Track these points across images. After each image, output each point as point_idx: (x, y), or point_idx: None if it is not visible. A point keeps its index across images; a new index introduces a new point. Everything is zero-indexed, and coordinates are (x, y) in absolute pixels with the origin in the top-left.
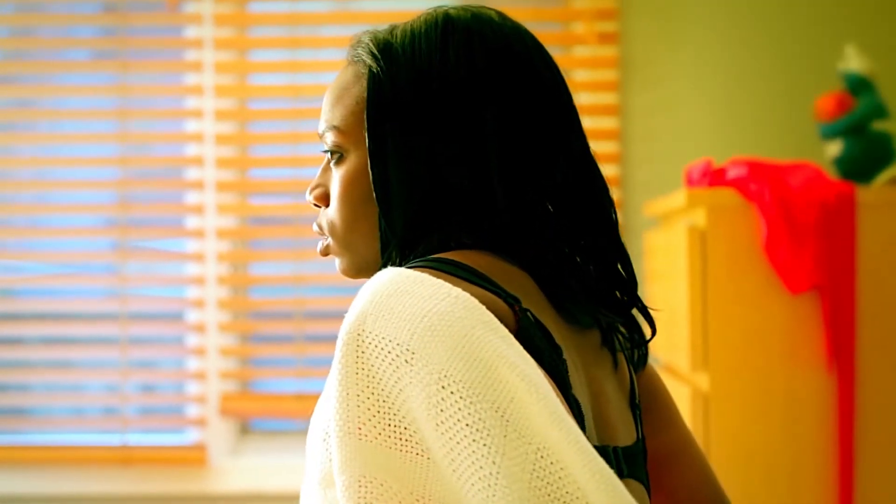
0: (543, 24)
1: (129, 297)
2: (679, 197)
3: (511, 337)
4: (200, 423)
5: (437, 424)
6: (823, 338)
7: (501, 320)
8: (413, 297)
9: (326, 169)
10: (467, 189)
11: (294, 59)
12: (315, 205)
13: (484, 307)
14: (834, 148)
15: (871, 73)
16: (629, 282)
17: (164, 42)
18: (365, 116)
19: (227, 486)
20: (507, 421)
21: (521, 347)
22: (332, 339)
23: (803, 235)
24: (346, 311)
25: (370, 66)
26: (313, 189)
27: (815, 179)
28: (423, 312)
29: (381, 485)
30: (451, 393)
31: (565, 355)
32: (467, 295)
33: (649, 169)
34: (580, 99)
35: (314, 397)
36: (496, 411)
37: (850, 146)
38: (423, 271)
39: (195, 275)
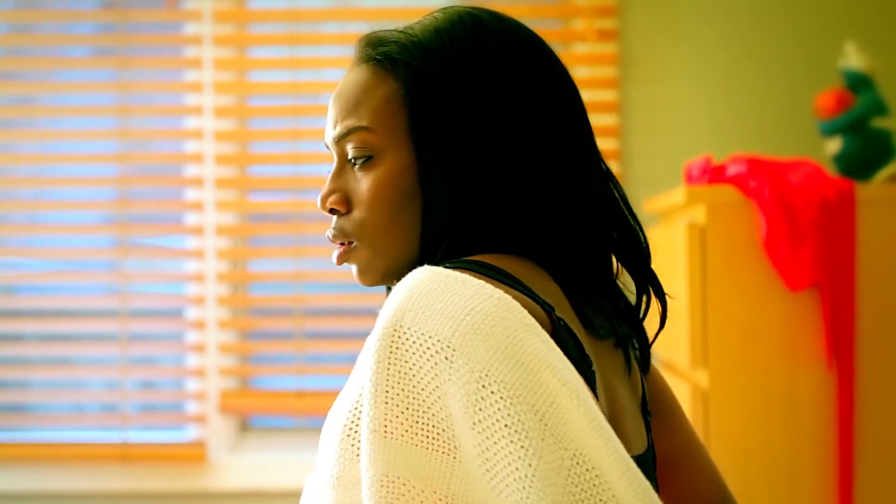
0: (543, 21)
1: (128, 294)
2: (679, 194)
3: (552, 342)
4: (200, 419)
5: (475, 423)
6: (823, 335)
7: (539, 320)
8: (455, 295)
9: (341, 173)
10: (513, 189)
11: (294, 56)
12: (332, 211)
13: (525, 310)
14: (833, 145)
15: (870, 70)
16: (647, 274)
17: (164, 39)
18: (406, 112)
19: (226, 483)
20: (546, 424)
21: (561, 353)
22: (331, 335)
23: (803, 232)
24: (344, 308)
25: (406, 62)
26: (329, 195)
27: (814, 176)
28: (466, 310)
29: (404, 484)
30: (492, 392)
31: (594, 366)
32: (509, 297)
33: (649, 166)
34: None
35: (314, 394)
36: (535, 414)
37: (849, 143)
38: (461, 272)
39: (195, 271)
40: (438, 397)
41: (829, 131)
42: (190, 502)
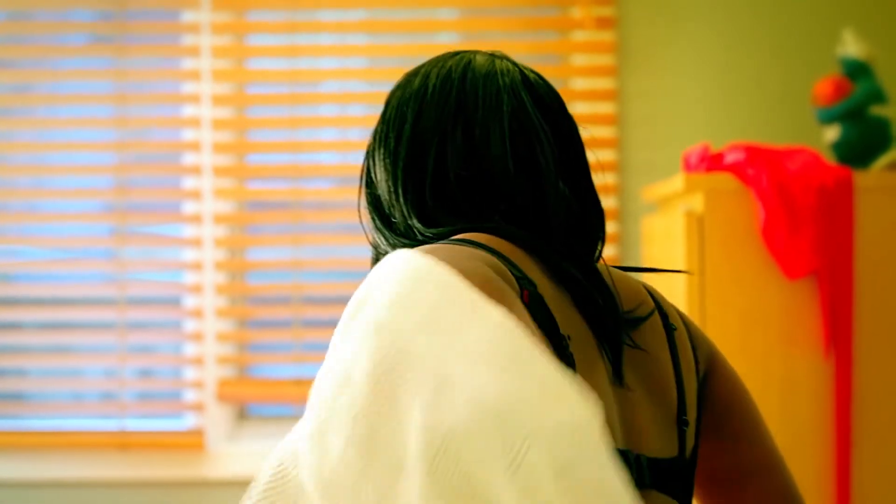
0: (541, 9)
1: (126, 282)
2: (677, 182)
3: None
4: (198, 408)
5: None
6: (821, 323)
7: (508, 284)
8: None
9: None
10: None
11: (292, 44)
12: None
13: (445, 270)
14: (832, 133)
15: (869, 57)
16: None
17: (162, 26)
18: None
19: (224, 472)
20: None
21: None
22: (329, 324)
23: (801, 220)
24: (343, 297)
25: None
26: None
27: (812, 164)
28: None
29: None
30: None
31: (572, 348)
32: (431, 260)
33: (647, 154)
34: (577, 84)
35: (312, 382)
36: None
37: (847, 131)
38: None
39: (193, 260)
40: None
41: (828, 119)
42: (188, 490)
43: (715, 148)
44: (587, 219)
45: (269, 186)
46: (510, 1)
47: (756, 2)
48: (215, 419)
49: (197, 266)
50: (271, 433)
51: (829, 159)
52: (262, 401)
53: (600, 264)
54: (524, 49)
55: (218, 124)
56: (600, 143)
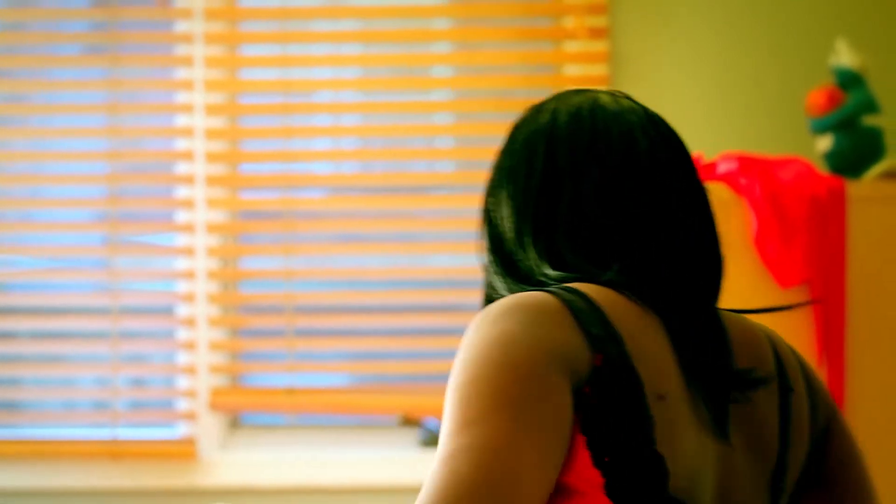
0: (534, 20)
1: (119, 292)
2: None
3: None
4: (190, 417)
5: None
6: (813, 332)
7: (577, 354)
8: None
9: None
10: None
11: (285, 54)
12: None
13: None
14: (824, 142)
15: (862, 67)
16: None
17: (155, 37)
18: None
19: (217, 481)
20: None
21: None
22: (322, 333)
23: (793, 230)
24: (335, 306)
25: None
26: None
27: (805, 174)
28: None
29: None
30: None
31: (654, 411)
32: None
33: None
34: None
35: (304, 392)
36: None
37: (840, 141)
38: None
39: (185, 269)
40: None
41: (820, 129)
42: (180, 499)
43: (707, 158)
44: (711, 266)
45: (261, 196)
46: (503, 11)
47: (749, 12)
48: (208, 428)
49: (189, 275)
50: (264, 442)
51: (822, 169)
52: (254, 410)
53: (723, 314)
54: (517, 59)
55: (211, 134)
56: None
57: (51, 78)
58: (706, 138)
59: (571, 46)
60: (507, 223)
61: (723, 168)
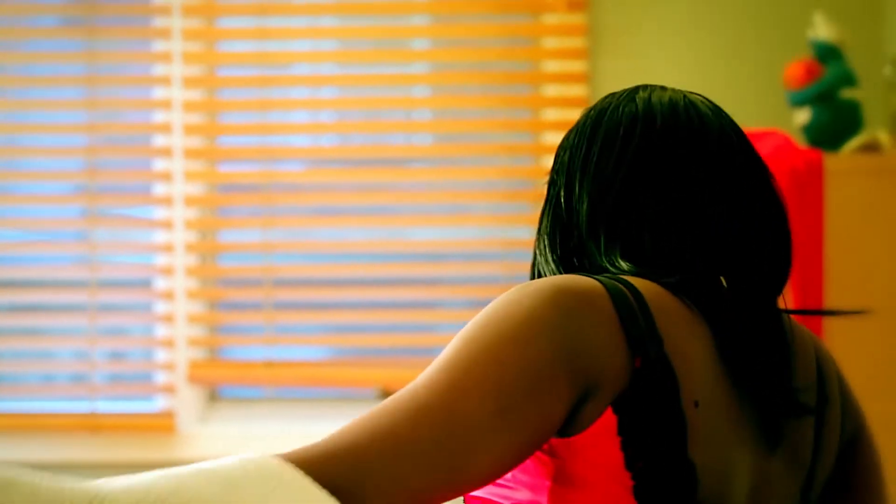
0: None
1: (97, 264)
2: None
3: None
4: (169, 390)
5: None
6: (791, 305)
7: (609, 355)
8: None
9: None
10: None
11: (263, 27)
12: None
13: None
14: (803, 116)
15: (839, 41)
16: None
17: (132, 9)
18: None
19: (195, 454)
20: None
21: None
22: (300, 306)
23: None
24: (314, 279)
25: None
26: None
27: (783, 147)
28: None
29: None
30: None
31: (690, 414)
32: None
33: None
34: (549, 66)
35: (283, 365)
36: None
37: (818, 114)
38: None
39: (163, 242)
40: None
41: (799, 102)
42: None
43: None
44: (779, 277)
45: (240, 169)
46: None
47: None
48: (186, 401)
49: (168, 248)
50: (242, 415)
51: (800, 142)
52: (233, 383)
53: (786, 321)
54: (495, 32)
55: (189, 106)
56: (571, 125)
57: (28, 50)
58: None
59: (550, 19)
60: (580, 207)
61: None
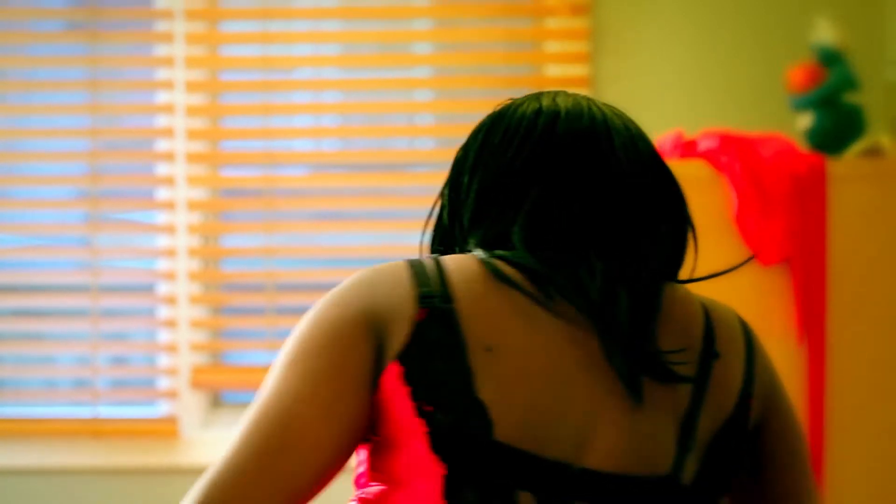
0: None
1: (100, 269)
2: None
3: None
4: (171, 395)
5: None
6: (794, 311)
7: (397, 311)
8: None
9: None
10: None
11: (265, 31)
12: None
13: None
14: (805, 120)
15: (842, 45)
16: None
17: (135, 13)
18: None
19: (198, 459)
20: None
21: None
22: (303, 311)
23: (774, 208)
24: (316, 284)
25: None
26: None
27: (786, 152)
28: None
29: None
30: None
31: (477, 362)
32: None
33: None
34: (551, 71)
35: None
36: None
37: (821, 118)
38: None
39: (166, 247)
40: None
41: (801, 106)
42: (162, 477)
43: (688, 135)
44: (661, 250)
45: (242, 173)
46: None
47: None
48: (189, 406)
49: (170, 253)
50: None
51: (803, 147)
52: (235, 388)
53: (667, 293)
54: (498, 36)
55: (191, 111)
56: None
57: (30, 54)
58: (687, 115)
59: (552, 23)
60: (467, 199)
61: (703, 145)
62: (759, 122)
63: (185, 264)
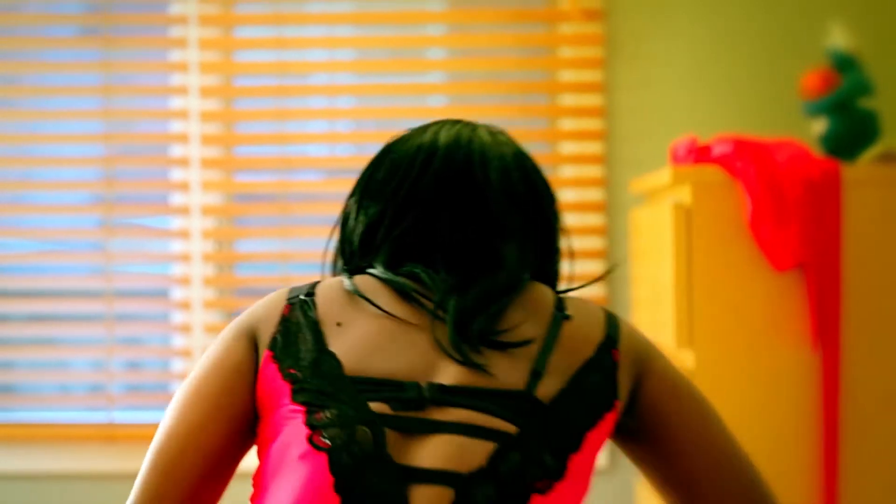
0: (529, 1)
1: (114, 275)
2: (664, 174)
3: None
4: None
5: None
6: (808, 315)
7: (270, 315)
8: None
9: None
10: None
11: (280, 36)
12: None
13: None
14: (819, 125)
15: (856, 50)
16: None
17: (149, 18)
18: None
19: None
20: None
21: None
22: None
23: (788, 213)
24: None
25: None
26: None
27: (800, 157)
28: None
29: None
30: None
31: (329, 331)
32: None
33: (635, 146)
34: (565, 76)
35: None
36: None
37: (835, 124)
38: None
39: (180, 252)
40: None
41: (815, 112)
42: None
43: (702, 140)
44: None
45: (257, 178)
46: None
47: None
48: None
49: (185, 258)
50: None
51: (817, 152)
52: None
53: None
54: (511, 41)
55: (206, 116)
56: (588, 136)
57: (45, 59)
58: (701, 120)
59: (566, 28)
60: (357, 225)
61: (718, 150)
62: (774, 127)
63: (199, 269)
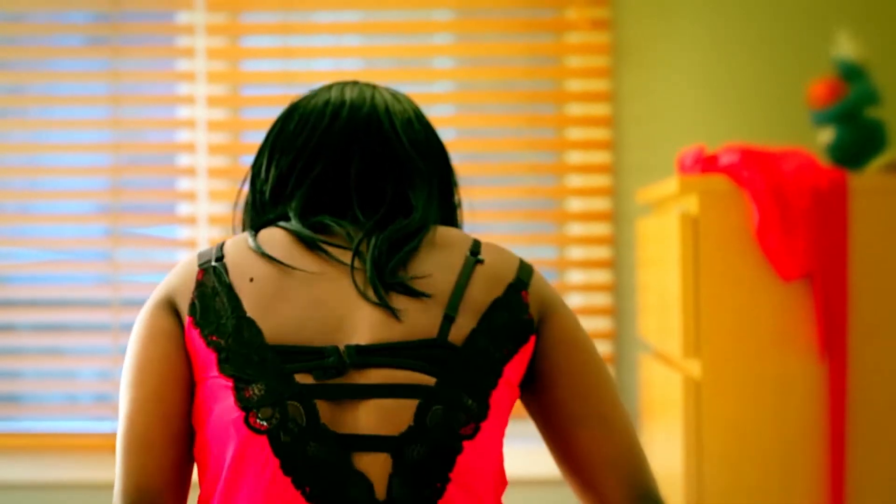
0: (536, 11)
1: (121, 284)
2: (671, 183)
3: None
4: None
5: None
6: (815, 325)
7: (185, 283)
8: None
9: None
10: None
11: (287, 46)
12: None
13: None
14: (826, 135)
15: (863, 59)
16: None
17: (156, 28)
18: None
19: None
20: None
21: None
22: None
23: (795, 222)
24: None
25: None
26: None
27: (807, 166)
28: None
29: None
30: None
31: (243, 289)
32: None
33: (642, 155)
34: (572, 85)
35: None
36: None
37: (842, 133)
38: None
39: None
40: None
41: (822, 121)
42: None
43: (709, 150)
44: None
45: None
46: (505, 2)
47: (751, 4)
48: None
49: None
50: None
51: (824, 161)
52: None
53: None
54: (519, 51)
55: (213, 126)
56: (595, 145)
57: (52, 69)
58: (708, 130)
59: (573, 37)
60: (267, 176)
61: (725, 160)
62: (781, 136)
63: None
